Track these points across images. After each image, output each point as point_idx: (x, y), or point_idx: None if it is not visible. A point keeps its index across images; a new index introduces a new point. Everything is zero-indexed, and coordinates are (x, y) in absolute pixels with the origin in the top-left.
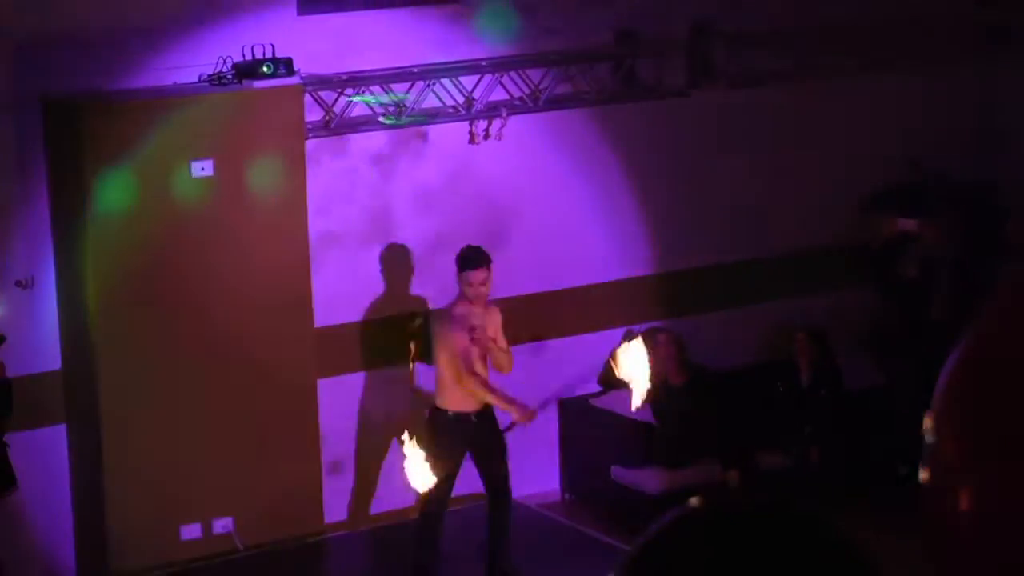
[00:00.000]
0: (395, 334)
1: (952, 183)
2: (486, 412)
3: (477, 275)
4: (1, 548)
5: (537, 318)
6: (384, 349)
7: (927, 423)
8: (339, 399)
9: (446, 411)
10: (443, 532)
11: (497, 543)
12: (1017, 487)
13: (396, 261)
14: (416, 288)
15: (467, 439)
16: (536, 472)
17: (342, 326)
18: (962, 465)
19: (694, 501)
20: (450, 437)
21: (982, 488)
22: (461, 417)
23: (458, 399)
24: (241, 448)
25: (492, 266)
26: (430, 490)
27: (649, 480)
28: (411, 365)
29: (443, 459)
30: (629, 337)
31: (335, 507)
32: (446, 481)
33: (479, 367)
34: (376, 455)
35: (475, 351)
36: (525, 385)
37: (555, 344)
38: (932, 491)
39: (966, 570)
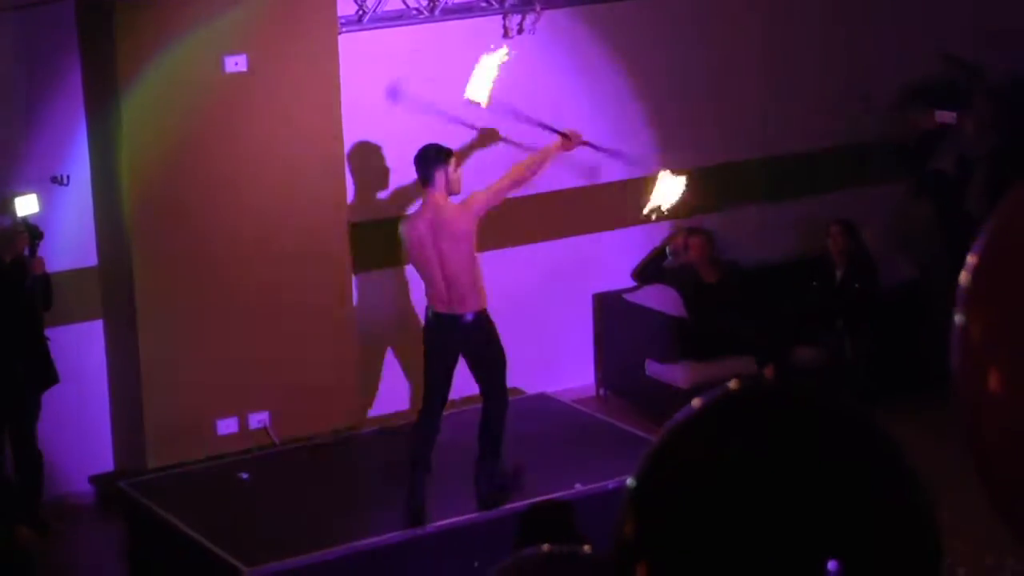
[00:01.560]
0: None
1: (984, 76)
2: (482, 316)
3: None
4: (43, 446)
5: (570, 214)
6: None
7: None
8: (374, 294)
9: (480, 310)
10: (439, 429)
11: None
12: None
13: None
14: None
15: (460, 342)
16: (571, 367)
17: (375, 222)
18: (990, 343)
19: (732, 384)
20: (441, 338)
21: (1011, 367)
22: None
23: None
24: (276, 343)
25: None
26: (431, 389)
27: (683, 375)
28: None
29: (436, 359)
30: (669, 239)
31: (370, 402)
32: (446, 380)
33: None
34: (410, 351)
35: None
36: (559, 281)
37: (588, 239)
38: (962, 373)
39: (1001, 455)
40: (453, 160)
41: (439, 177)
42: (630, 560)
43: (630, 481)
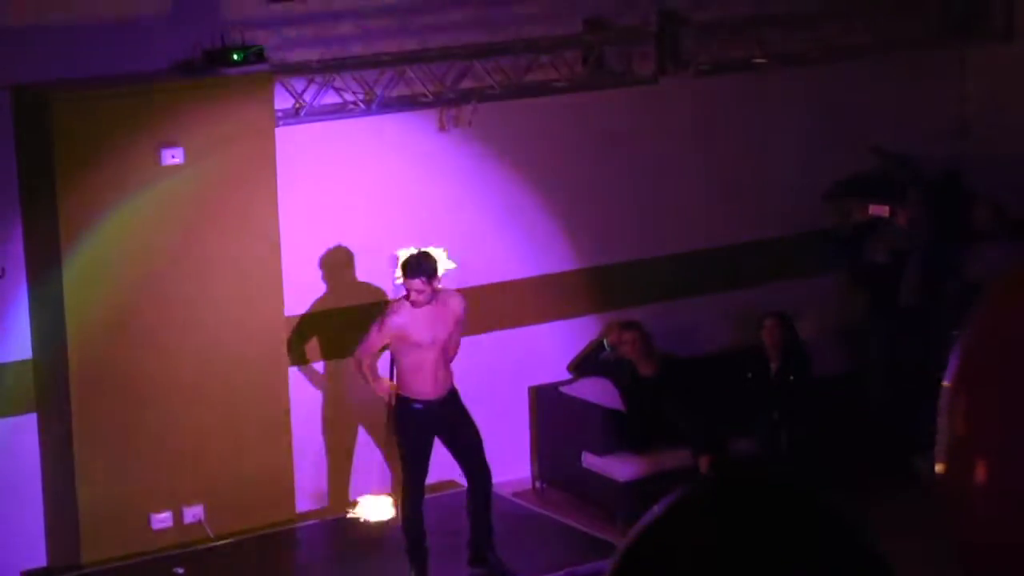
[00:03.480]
0: (364, 322)
1: (918, 169)
2: (452, 395)
3: (415, 283)
4: None
5: (504, 307)
6: (355, 338)
7: (941, 404)
8: (310, 387)
9: (408, 399)
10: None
11: (480, 530)
12: None
13: (364, 251)
14: (384, 278)
15: (434, 425)
16: (508, 460)
17: (312, 315)
18: (975, 435)
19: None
20: (416, 425)
21: (994, 456)
22: (426, 404)
23: (419, 387)
24: (212, 436)
25: (436, 275)
26: (409, 482)
27: (620, 467)
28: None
29: (411, 448)
30: (606, 332)
31: (306, 496)
32: (422, 470)
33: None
34: (347, 444)
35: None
36: (495, 375)
37: (523, 332)
38: (948, 470)
39: (989, 550)
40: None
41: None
42: None
43: None
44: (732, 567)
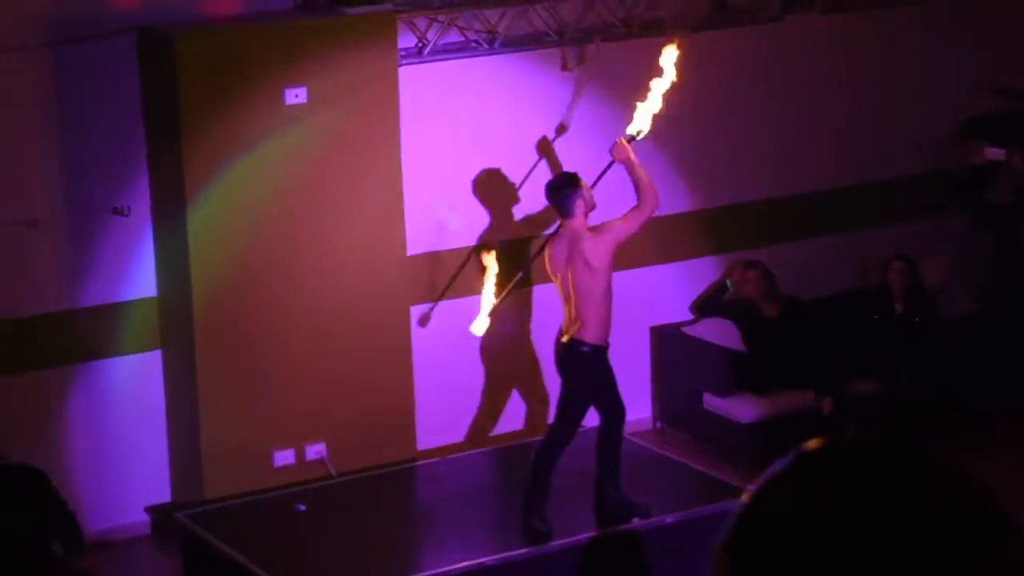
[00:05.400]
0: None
1: None
2: (599, 350)
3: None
4: (99, 475)
5: (628, 247)
6: (477, 276)
7: None
8: (432, 325)
9: (599, 344)
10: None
11: (604, 469)
12: None
13: (490, 188)
14: (508, 216)
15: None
16: (629, 400)
17: (433, 255)
18: None
19: (811, 443)
20: (607, 369)
21: None
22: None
23: (606, 329)
24: (334, 375)
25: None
26: (572, 425)
27: (741, 408)
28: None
29: (564, 384)
30: (729, 273)
31: (428, 434)
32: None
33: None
34: (469, 382)
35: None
36: (617, 315)
37: (646, 272)
38: None
39: None
40: (583, 183)
41: (577, 206)
42: None
43: (717, 541)
44: (851, 531)
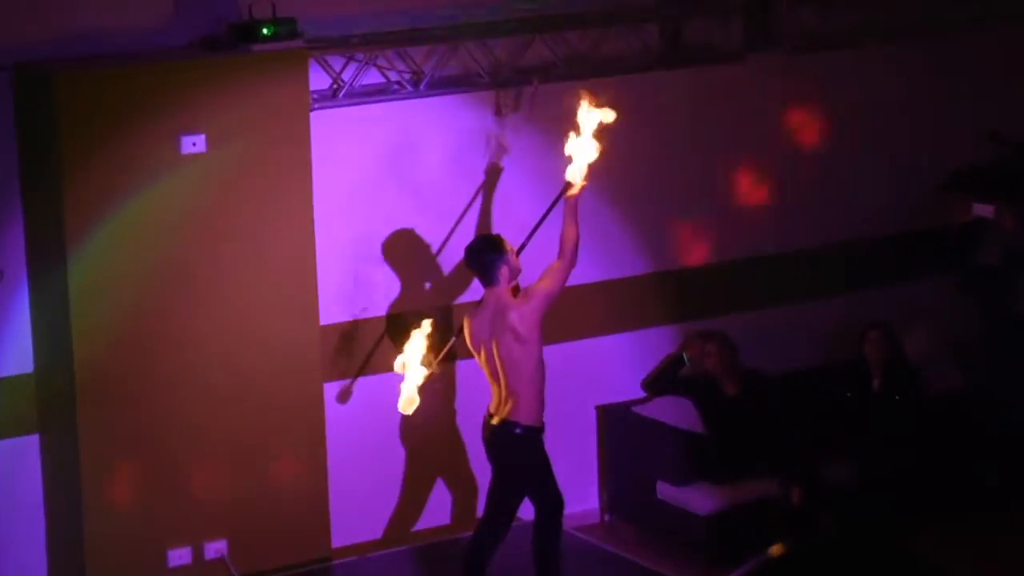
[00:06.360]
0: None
1: None
2: (533, 431)
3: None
4: None
5: (569, 316)
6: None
7: None
8: (348, 406)
9: (533, 426)
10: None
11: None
12: None
13: (415, 247)
14: (436, 279)
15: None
16: (573, 490)
17: (352, 323)
18: None
19: (775, 550)
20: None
21: None
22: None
23: (540, 408)
24: (237, 461)
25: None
26: (494, 514)
27: (699, 498)
28: (429, 370)
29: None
30: (686, 345)
31: (343, 530)
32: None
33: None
34: (391, 470)
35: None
36: (558, 392)
37: (591, 343)
38: None
39: None
40: (508, 247)
41: (501, 273)
42: None
43: None
44: None
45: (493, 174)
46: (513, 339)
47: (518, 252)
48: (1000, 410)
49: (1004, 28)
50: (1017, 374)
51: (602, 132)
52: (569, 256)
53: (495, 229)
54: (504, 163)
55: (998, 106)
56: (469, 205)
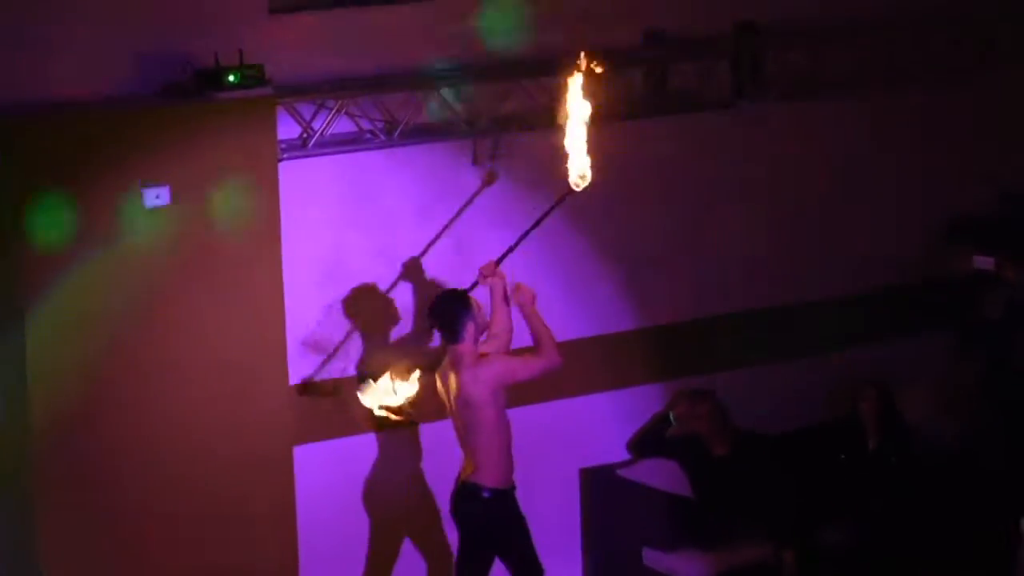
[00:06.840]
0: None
1: None
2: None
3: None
4: None
5: (554, 373)
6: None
7: None
8: (319, 470)
9: (501, 488)
10: None
11: None
12: None
13: (383, 307)
14: (409, 337)
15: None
16: (554, 557)
17: (322, 384)
18: None
19: None
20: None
21: None
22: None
23: (506, 469)
24: (202, 527)
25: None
26: None
27: (688, 565)
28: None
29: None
30: (673, 404)
31: None
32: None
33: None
34: (364, 538)
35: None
36: (539, 454)
37: (573, 403)
38: None
39: None
40: (475, 303)
41: (467, 330)
42: None
43: None
44: None
45: (467, 226)
46: (464, 403)
47: (498, 261)
48: (1001, 466)
49: (1001, 74)
50: (1020, 429)
51: (597, 80)
52: (548, 352)
53: (466, 284)
54: (479, 215)
55: (997, 154)
56: (443, 260)
